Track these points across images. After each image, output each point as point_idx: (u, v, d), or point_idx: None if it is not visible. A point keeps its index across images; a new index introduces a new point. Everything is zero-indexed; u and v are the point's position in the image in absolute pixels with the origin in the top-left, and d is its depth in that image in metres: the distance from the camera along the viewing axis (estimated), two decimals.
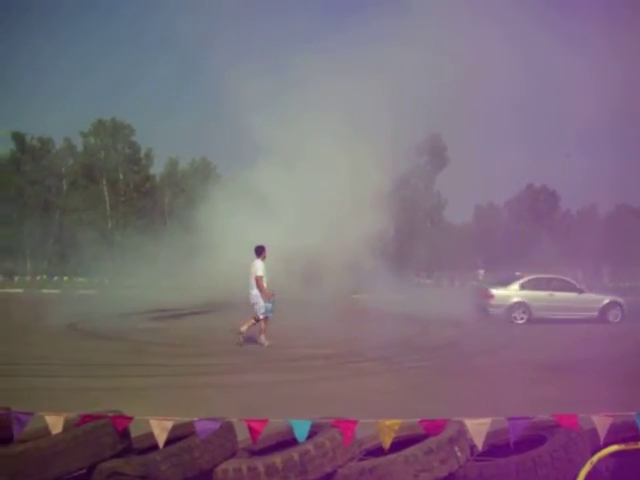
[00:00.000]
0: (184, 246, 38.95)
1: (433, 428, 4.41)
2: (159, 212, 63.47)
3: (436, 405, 8.68)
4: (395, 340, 16.91)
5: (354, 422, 4.40)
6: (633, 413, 4.42)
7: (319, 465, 4.39)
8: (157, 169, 67.92)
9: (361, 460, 4.68)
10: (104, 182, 62.37)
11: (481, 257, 49.91)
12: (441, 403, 8.99)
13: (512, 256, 42.70)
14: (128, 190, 63.43)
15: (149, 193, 65.20)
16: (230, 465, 4.56)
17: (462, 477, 4.43)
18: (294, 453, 4.39)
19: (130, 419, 4.72)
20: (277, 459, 4.36)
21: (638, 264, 47.47)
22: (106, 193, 61.87)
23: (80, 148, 65.75)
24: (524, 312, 22.09)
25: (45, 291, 41.66)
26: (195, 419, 4.47)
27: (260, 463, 4.38)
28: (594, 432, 4.37)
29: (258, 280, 14.66)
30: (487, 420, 4.33)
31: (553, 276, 24.50)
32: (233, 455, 4.85)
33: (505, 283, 23.41)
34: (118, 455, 4.84)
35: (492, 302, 22.44)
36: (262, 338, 15.14)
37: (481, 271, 49.06)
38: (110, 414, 4.91)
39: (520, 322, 21.80)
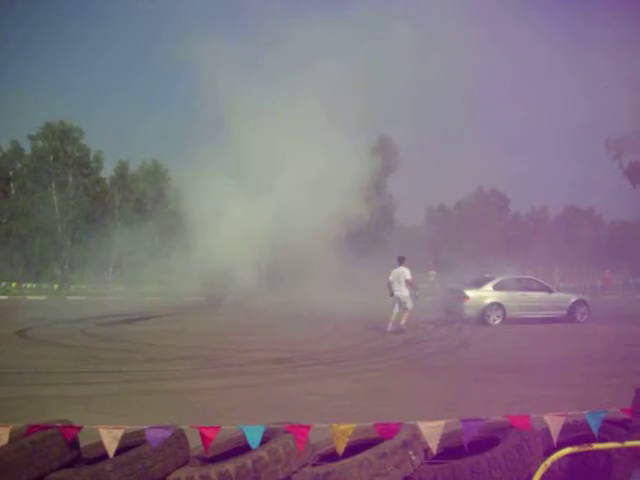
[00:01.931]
0: (138, 249, 38.41)
1: (387, 432, 4.39)
2: (110, 215, 62.64)
3: (390, 408, 8.69)
4: (353, 343, 16.92)
5: (307, 427, 4.36)
6: (584, 412, 4.46)
7: (273, 472, 4.35)
8: (107, 172, 67.10)
9: (315, 465, 4.65)
10: (53, 186, 61.24)
11: (432, 259, 50.21)
12: (395, 406, 9.00)
13: (463, 258, 43.14)
14: (78, 194, 62.39)
15: (99, 196, 64.26)
16: (182, 473, 4.50)
17: None
18: (247, 460, 4.34)
19: (79, 428, 4.62)
20: (230, 466, 4.31)
21: (586, 264, 48.40)
22: (55, 197, 60.76)
23: (28, 151, 64.67)
24: (498, 312, 22.29)
25: None
26: (146, 427, 4.39)
27: (213, 471, 4.32)
28: (547, 432, 4.40)
29: (411, 281, 19.31)
30: (441, 423, 4.33)
31: (524, 276, 25.15)
32: (185, 463, 4.78)
33: (478, 284, 23.56)
34: (67, 465, 4.75)
35: (467, 304, 22.43)
36: (404, 323, 19.13)
37: (433, 272, 49.38)
38: (58, 424, 4.80)
39: (495, 323, 21.98)
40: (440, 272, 46.62)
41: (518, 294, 22.69)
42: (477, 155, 73.06)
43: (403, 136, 46.16)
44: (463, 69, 44.03)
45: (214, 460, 4.85)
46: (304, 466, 4.55)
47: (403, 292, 19.13)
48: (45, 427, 4.72)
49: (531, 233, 58.97)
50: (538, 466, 3.81)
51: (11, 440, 4.51)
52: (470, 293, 22.70)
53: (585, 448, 3.80)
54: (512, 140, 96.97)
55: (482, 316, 22.09)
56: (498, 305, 22.34)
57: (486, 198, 72.43)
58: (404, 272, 19.18)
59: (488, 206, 70.37)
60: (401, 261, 19.56)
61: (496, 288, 22.84)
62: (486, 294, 22.64)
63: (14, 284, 49.12)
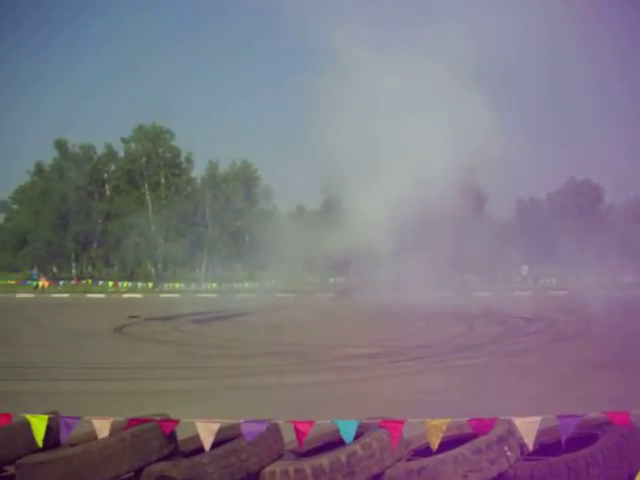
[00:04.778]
0: (228, 247, 38.88)
1: (482, 427, 4.33)
2: (201, 214, 63.82)
3: (482, 404, 8.56)
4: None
5: (401, 422, 4.35)
6: None
7: (366, 466, 4.34)
8: (198, 172, 68.44)
9: (409, 460, 4.63)
10: (146, 186, 62.88)
11: (523, 252, 49.13)
12: (488, 402, 8.86)
13: (555, 251, 42.08)
14: (170, 194, 63.86)
15: (190, 196, 65.58)
16: (277, 467, 4.54)
17: (512, 477, 4.34)
18: (341, 454, 4.35)
19: (176, 422, 4.73)
20: (324, 460, 4.32)
21: None
22: (148, 197, 62.37)
23: (121, 154, 66.66)
24: None
25: (90, 296, 42.15)
26: (241, 421, 4.46)
27: (307, 465, 4.34)
28: None
29: None
30: (537, 419, 4.25)
31: None
32: (280, 457, 4.82)
33: None
34: (165, 458, 4.85)
35: None
36: None
37: (525, 267, 48.53)
38: (157, 417, 4.93)
39: None
40: (532, 266, 45.72)
41: None
42: (569, 146, 71.05)
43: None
44: (556, 55, 42.20)
45: (308, 454, 4.88)
46: (398, 461, 4.53)
47: None
48: (144, 420, 4.85)
49: (625, 225, 56.93)
50: None
51: (112, 433, 4.67)
52: None
53: None
54: (605, 128, 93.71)
55: None
56: None
57: (578, 189, 70.42)
58: None
59: (580, 197, 68.47)
60: None
61: None
62: None
63: (111, 283, 50.62)
